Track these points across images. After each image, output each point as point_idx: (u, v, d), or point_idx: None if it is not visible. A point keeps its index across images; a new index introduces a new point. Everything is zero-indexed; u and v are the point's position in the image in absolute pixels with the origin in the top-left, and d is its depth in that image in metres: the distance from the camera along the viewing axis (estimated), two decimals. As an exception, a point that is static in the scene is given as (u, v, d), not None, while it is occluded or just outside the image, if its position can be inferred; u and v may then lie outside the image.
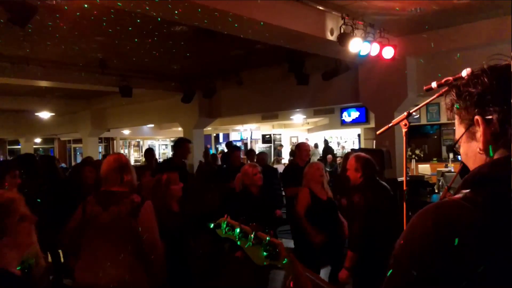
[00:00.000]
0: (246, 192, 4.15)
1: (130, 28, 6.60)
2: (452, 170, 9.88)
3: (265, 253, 1.19)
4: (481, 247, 0.81)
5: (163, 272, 2.70)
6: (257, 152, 9.07)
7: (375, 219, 3.48)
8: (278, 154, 18.52)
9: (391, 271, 0.89)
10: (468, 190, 0.89)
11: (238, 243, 1.22)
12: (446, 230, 0.84)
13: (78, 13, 5.82)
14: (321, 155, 15.91)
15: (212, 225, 1.24)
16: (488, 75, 0.94)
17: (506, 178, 0.85)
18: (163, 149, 23.99)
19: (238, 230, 1.22)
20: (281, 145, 19.94)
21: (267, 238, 1.20)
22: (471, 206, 0.85)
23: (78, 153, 21.24)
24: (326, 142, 17.68)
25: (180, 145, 6.13)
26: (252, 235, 1.20)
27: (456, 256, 0.81)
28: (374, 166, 3.78)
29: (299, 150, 6.03)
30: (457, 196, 0.89)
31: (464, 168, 4.65)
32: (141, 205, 2.62)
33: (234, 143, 21.16)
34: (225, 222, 1.23)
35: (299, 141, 17.20)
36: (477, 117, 0.94)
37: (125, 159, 2.92)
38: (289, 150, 17.24)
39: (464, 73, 2.40)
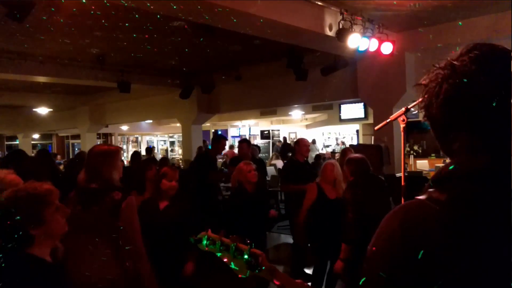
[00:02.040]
0: (241, 189, 4.15)
1: (128, 23, 6.58)
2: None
3: (246, 264, 1.21)
4: (446, 247, 0.79)
5: (142, 272, 2.56)
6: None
7: (364, 212, 3.67)
8: (277, 150, 18.52)
9: (363, 275, 0.88)
10: (433, 190, 0.86)
11: (219, 255, 1.24)
12: (411, 231, 0.83)
13: (75, 9, 5.79)
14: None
15: (193, 240, 1.25)
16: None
17: (469, 176, 0.83)
18: (161, 144, 23.98)
19: (219, 243, 1.23)
20: (279, 141, 19.95)
21: (248, 249, 1.22)
22: (435, 206, 0.83)
23: (76, 148, 21.21)
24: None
25: (218, 141, 6.70)
26: (233, 247, 1.21)
27: (425, 257, 0.79)
28: (365, 164, 4.03)
29: (299, 146, 6.02)
30: (422, 196, 0.88)
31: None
32: (121, 203, 2.48)
33: (233, 138, 21.24)
34: (206, 237, 1.24)
35: (298, 137, 17.19)
36: None
37: (108, 152, 2.67)
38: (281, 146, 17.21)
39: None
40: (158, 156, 19.53)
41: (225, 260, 1.23)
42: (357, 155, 4.21)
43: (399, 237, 0.84)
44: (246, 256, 1.21)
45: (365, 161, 4.05)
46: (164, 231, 3.32)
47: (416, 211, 0.86)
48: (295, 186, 5.44)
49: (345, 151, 5.98)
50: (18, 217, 1.70)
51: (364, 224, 3.59)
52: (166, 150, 23.04)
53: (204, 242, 1.24)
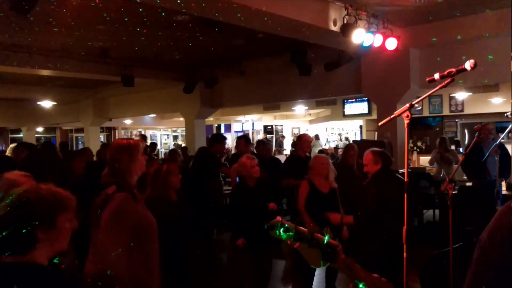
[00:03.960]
0: (242, 184, 4.15)
1: (132, 17, 6.58)
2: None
3: (322, 255, 1.17)
4: None
5: (114, 272, 2.41)
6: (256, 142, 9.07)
7: (387, 208, 3.63)
8: (280, 145, 18.53)
9: (477, 257, 0.92)
10: None
11: (293, 244, 1.20)
12: None
13: (78, 2, 5.79)
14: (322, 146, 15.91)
15: (266, 227, 1.23)
16: None
17: None
18: (164, 139, 24.01)
19: (293, 231, 1.20)
20: (283, 136, 19.96)
21: (325, 240, 1.18)
22: None
23: (80, 142, 21.28)
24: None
25: (219, 140, 6.29)
26: (309, 237, 1.18)
27: None
28: (389, 159, 4.03)
29: (300, 141, 6.03)
30: None
31: (465, 161, 4.66)
32: (110, 197, 2.45)
33: (236, 133, 21.23)
34: (280, 223, 1.21)
35: (301, 133, 17.19)
36: None
37: (115, 147, 2.65)
38: (291, 141, 17.23)
39: (468, 65, 2.40)
40: (161, 151, 19.57)
41: (298, 249, 1.20)
42: (377, 149, 4.12)
43: None
44: (322, 247, 1.17)
45: (388, 155, 4.04)
46: (182, 224, 3.38)
47: None
48: (295, 181, 5.44)
49: (348, 147, 5.98)
50: (29, 212, 1.59)
51: (385, 218, 3.59)
52: (176, 145, 23.05)
53: (278, 229, 1.22)
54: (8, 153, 8.83)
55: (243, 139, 6.71)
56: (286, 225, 1.20)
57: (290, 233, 1.19)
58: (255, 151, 7.50)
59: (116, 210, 2.44)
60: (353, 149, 5.74)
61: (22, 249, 1.59)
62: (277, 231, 1.20)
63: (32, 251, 1.61)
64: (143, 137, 13.69)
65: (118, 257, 2.42)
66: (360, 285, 1.16)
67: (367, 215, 3.81)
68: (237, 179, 4.45)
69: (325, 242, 1.17)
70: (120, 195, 2.48)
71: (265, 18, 5.48)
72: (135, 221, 2.50)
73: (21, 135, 20.31)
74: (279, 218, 1.22)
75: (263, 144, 7.20)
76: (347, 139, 18.73)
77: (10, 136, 21.61)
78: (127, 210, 2.48)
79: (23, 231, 1.57)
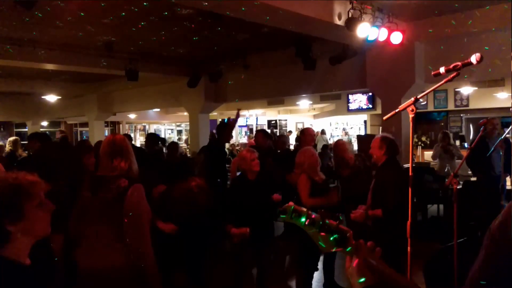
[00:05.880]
0: (242, 177, 4.17)
1: (136, 11, 6.57)
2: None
3: (333, 240, 1.17)
4: None
5: (145, 259, 2.52)
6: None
7: (402, 190, 3.58)
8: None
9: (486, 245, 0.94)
10: None
11: (304, 229, 1.21)
12: None
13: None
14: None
15: (278, 211, 1.24)
16: None
17: None
18: (169, 133, 24.05)
19: (305, 216, 1.20)
20: (290, 131, 19.98)
21: (337, 225, 1.18)
22: None
23: (84, 136, 21.35)
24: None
25: (224, 128, 6.54)
26: (321, 222, 1.18)
27: None
28: (397, 146, 4.06)
29: (304, 135, 6.03)
30: None
31: (470, 155, 4.64)
32: (127, 190, 2.50)
33: (240, 128, 21.23)
34: (292, 208, 1.22)
35: (305, 127, 17.16)
36: None
37: (119, 142, 2.73)
38: (295, 136, 17.21)
39: (473, 58, 2.38)
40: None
41: (310, 234, 1.19)
42: (389, 135, 4.15)
43: None
44: (334, 234, 1.17)
45: (396, 144, 4.07)
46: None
47: None
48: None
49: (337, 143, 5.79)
50: None
51: (401, 202, 3.53)
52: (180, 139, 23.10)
53: (289, 214, 1.23)
54: (7, 146, 8.81)
55: (262, 132, 6.80)
56: (298, 211, 1.20)
57: (302, 218, 1.20)
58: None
59: (138, 202, 2.51)
60: (344, 145, 5.64)
61: None
62: (288, 216, 1.20)
63: (7, 245, 1.52)
64: (129, 137, 13.61)
65: (146, 248, 2.49)
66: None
67: (394, 203, 3.74)
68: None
69: (336, 227, 1.18)
70: (139, 186, 2.54)
71: (270, 12, 5.45)
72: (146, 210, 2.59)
73: (26, 129, 20.39)
74: (291, 203, 1.22)
75: (279, 136, 7.25)
76: (346, 133, 18.70)
77: (15, 130, 21.71)
78: (145, 201, 2.58)
79: None
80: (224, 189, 5.94)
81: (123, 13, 6.66)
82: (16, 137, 9.95)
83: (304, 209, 1.20)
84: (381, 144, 3.96)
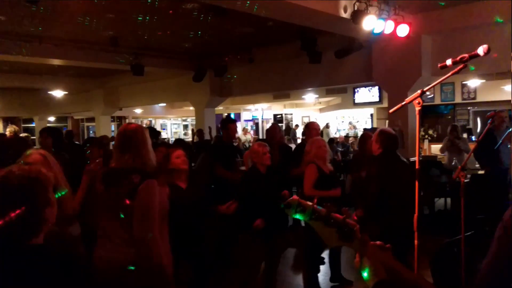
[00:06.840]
0: (254, 170, 4.21)
1: (141, 6, 6.56)
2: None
3: (339, 235, 1.17)
4: None
5: (154, 256, 2.48)
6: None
7: (387, 189, 3.64)
8: (294, 134, 18.46)
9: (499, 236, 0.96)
10: None
11: (309, 222, 1.20)
12: None
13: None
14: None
15: (282, 205, 1.22)
16: None
17: None
18: (175, 128, 24.10)
19: (310, 211, 1.19)
20: (296, 125, 19.97)
21: (342, 219, 1.17)
22: None
23: (91, 131, 21.45)
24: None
25: (226, 125, 6.02)
26: (326, 216, 1.17)
27: None
28: (395, 141, 3.99)
29: (309, 129, 6.01)
30: None
31: (478, 148, 4.60)
32: (139, 186, 2.46)
33: (245, 122, 21.22)
34: (297, 202, 1.20)
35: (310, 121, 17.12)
36: None
37: (129, 133, 2.62)
38: (301, 130, 17.18)
39: (481, 50, 2.35)
40: (171, 139, 19.63)
41: (315, 228, 1.19)
42: (390, 129, 4.15)
43: None
44: (339, 227, 1.17)
45: (396, 138, 4.04)
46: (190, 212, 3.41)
47: None
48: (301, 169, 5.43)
49: (363, 136, 5.82)
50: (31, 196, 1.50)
51: (387, 201, 3.60)
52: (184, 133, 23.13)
53: (294, 208, 1.22)
54: (8, 132, 8.73)
55: (275, 125, 6.77)
56: (303, 205, 1.19)
57: (307, 212, 1.18)
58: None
59: (150, 198, 2.49)
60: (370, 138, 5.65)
61: (33, 232, 1.52)
62: (293, 210, 1.19)
63: (41, 234, 1.54)
64: (153, 131, 13.64)
65: (154, 245, 2.48)
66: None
67: (372, 199, 3.83)
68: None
69: (342, 221, 1.17)
70: (152, 182, 2.51)
71: (276, 5, 5.42)
72: (160, 206, 2.57)
73: (33, 125, 20.52)
74: (296, 197, 1.21)
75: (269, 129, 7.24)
76: (354, 127, 18.61)
77: (22, 125, 21.86)
78: (157, 197, 2.54)
79: (32, 213, 1.50)
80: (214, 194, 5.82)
81: (128, 8, 6.66)
82: (27, 134, 10.05)
83: (309, 203, 1.19)
84: (377, 138, 3.97)
